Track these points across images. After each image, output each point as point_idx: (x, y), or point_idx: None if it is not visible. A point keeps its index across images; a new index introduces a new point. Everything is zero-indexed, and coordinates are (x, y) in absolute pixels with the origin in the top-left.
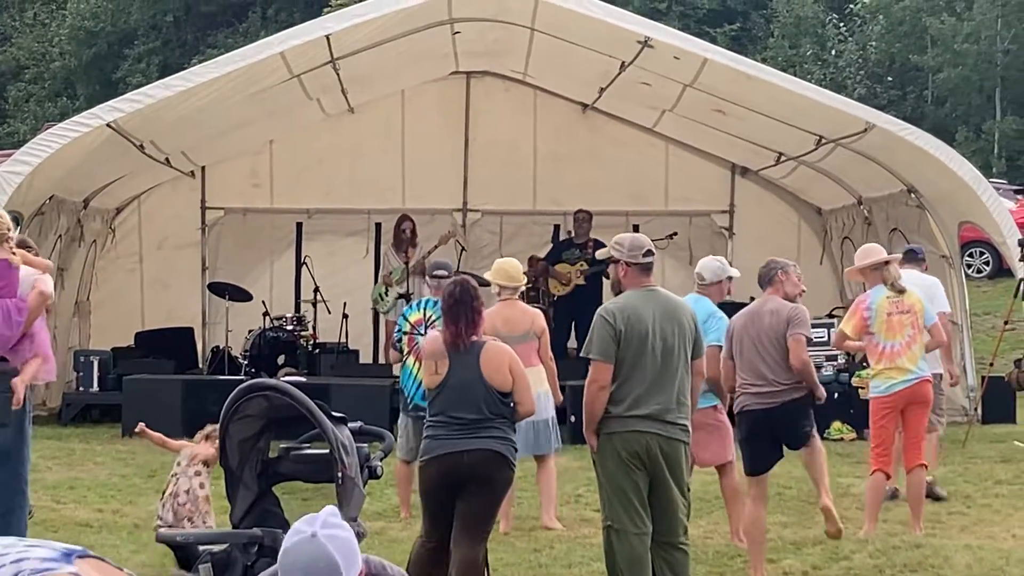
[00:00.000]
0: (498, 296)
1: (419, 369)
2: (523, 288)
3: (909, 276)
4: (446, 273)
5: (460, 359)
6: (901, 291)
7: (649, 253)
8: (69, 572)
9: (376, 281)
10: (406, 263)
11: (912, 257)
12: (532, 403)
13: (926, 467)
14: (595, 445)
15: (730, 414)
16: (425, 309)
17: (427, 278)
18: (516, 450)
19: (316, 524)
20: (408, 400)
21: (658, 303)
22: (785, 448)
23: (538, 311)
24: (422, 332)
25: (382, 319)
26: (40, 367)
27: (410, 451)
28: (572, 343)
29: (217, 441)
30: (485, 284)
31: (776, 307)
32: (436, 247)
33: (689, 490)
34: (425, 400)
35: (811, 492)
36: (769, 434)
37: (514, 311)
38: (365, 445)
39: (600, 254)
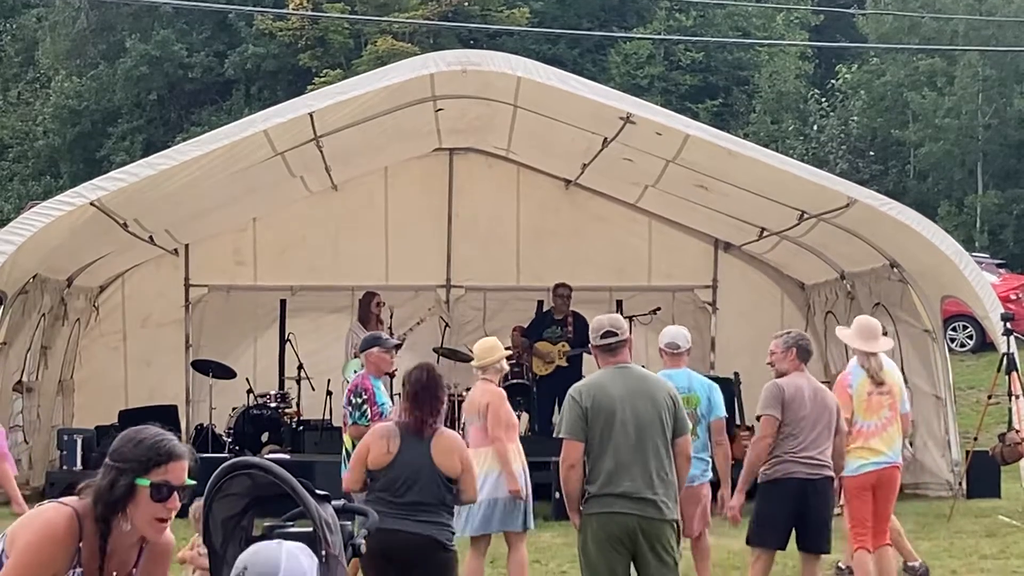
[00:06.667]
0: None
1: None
2: (495, 364)
3: None
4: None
5: (412, 442)
6: (881, 383)
7: (608, 334)
8: None
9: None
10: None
11: None
12: (475, 492)
13: (891, 546)
14: (578, 523)
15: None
16: None
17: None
18: (453, 533)
19: (288, 543)
20: None
21: (628, 380)
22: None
23: (493, 390)
24: None
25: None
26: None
27: None
28: (556, 418)
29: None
30: (468, 360)
31: (822, 387)
32: (419, 323)
33: (677, 564)
34: None
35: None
36: (801, 505)
37: (473, 393)
38: (349, 523)
39: None
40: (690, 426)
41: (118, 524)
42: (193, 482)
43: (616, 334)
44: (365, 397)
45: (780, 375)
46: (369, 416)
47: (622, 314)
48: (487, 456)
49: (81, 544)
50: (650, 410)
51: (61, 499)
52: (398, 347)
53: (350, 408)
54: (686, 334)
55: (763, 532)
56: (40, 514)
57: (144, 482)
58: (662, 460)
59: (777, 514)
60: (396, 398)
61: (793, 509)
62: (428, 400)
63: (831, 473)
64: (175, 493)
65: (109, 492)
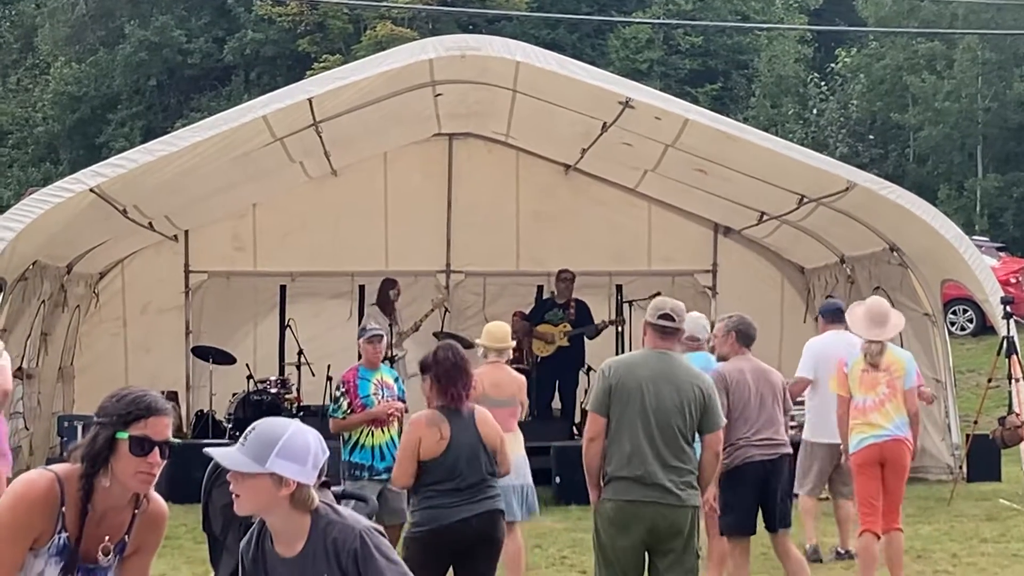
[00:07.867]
0: (485, 359)
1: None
2: (511, 352)
3: None
4: None
5: (460, 423)
6: (875, 365)
7: (666, 317)
8: None
9: None
10: (390, 326)
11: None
12: (510, 465)
13: (902, 530)
14: (594, 500)
15: None
16: None
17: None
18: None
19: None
20: None
21: (660, 364)
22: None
23: (522, 377)
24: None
25: None
26: None
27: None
28: (556, 403)
29: None
30: (469, 346)
31: (765, 367)
32: (431, 311)
33: (699, 557)
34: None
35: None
36: (763, 487)
37: (502, 374)
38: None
39: None
40: (723, 422)
41: (101, 482)
42: (176, 440)
43: (673, 320)
44: (344, 390)
45: (721, 359)
46: (346, 409)
47: (622, 299)
48: (515, 440)
49: (64, 509)
50: (673, 396)
51: (47, 466)
52: (379, 337)
53: (330, 400)
54: (705, 325)
55: (733, 520)
56: (21, 479)
57: (123, 435)
58: (681, 447)
59: (743, 501)
60: (398, 383)
61: (758, 493)
62: (462, 376)
63: (788, 450)
64: (156, 448)
65: (91, 446)
